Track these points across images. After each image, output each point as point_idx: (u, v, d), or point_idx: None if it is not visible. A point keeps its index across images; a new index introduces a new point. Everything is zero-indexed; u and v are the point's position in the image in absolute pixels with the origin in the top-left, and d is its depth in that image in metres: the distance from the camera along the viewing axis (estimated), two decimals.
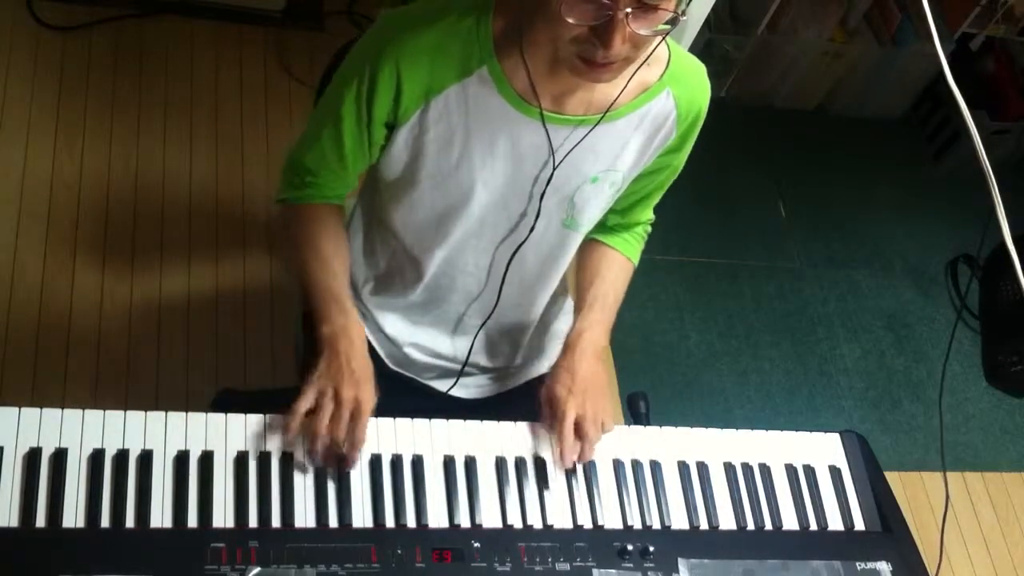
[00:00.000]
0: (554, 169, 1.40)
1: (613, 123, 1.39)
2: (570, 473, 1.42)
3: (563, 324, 1.77)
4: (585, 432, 1.42)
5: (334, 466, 1.33)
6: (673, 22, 1.17)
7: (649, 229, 1.66)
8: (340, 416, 1.33)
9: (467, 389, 1.69)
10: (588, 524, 1.39)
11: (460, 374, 1.67)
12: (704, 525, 1.44)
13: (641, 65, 1.27)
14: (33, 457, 1.23)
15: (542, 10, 1.20)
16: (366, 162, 1.45)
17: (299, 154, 1.48)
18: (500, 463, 1.40)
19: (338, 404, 1.33)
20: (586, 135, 1.38)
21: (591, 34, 1.17)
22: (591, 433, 1.42)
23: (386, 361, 1.64)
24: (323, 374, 1.36)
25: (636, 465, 1.46)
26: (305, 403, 1.33)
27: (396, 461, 1.37)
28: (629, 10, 1.13)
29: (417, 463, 1.37)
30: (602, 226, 1.62)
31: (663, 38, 1.24)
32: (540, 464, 1.42)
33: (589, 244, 1.63)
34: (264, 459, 1.31)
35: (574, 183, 1.44)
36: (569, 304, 1.79)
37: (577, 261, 1.63)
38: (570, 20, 1.16)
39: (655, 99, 1.39)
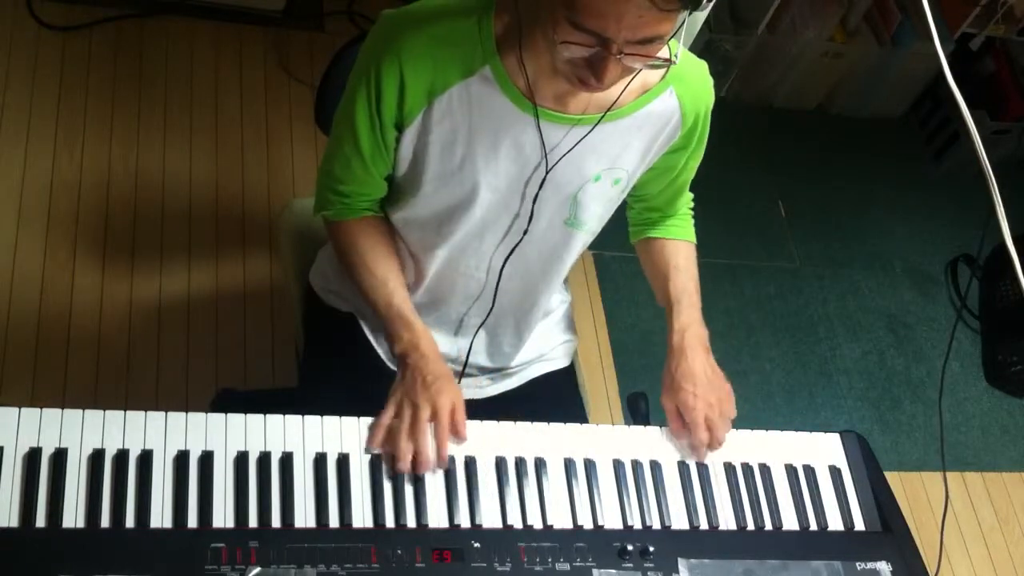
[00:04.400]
0: (547, 170, 1.40)
1: (615, 122, 1.39)
2: (569, 473, 1.42)
3: (563, 322, 1.77)
4: (715, 426, 1.50)
5: (424, 471, 1.36)
6: (667, 61, 1.20)
7: (692, 205, 1.68)
8: (418, 422, 1.37)
9: (467, 389, 1.68)
10: (588, 524, 1.39)
11: (461, 375, 1.66)
12: (704, 525, 1.44)
13: (638, 72, 1.28)
14: (33, 457, 1.23)
15: (540, 29, 1.22)
16: (388, 166, 1.45)
17: (327, 164, 1.49)
18: (500, 463, 1.40)
19: (415, 413, 1.38)
20: (585, 135, 1.38)
21: (585, 63, 1.20)
22: (720, 427, 1.50)
23: (386, 361, 1.64)
24: (399, 389, 1.42)
25: (636, 465, 1.45)
26: (387, 417, 1.39)
27: None
28: (623, 52, 1.16)
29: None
30: (649, 222, 1.65)
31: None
32: (540, 464, 1.42)
33: (647, 244, 1.67)
34: (264, 459, 1.31)
35: (576, 182, 1.44)
36: (568, 298, 1.79)
37: (644, 264, 1.68)
38: (566, 55, 1.19)
39: (658, 98, 1.40)
